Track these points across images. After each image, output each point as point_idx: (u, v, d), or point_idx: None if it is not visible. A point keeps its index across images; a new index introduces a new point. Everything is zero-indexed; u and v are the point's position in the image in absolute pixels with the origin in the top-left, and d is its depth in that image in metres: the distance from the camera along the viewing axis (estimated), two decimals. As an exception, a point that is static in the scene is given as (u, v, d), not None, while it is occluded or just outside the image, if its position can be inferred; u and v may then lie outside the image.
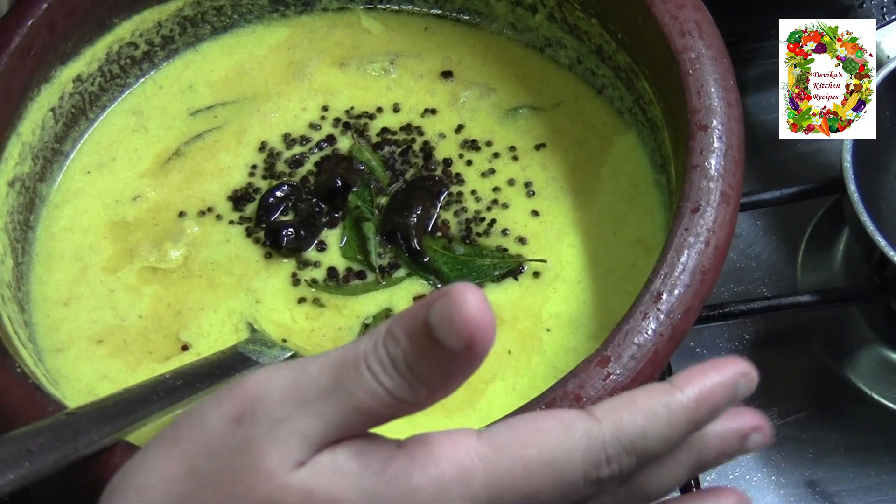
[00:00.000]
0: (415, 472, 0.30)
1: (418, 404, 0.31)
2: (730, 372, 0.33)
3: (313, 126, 0.59)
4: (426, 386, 0.30)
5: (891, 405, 0.58)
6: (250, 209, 0.56)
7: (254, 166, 0.58)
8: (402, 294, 0.53)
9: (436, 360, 0.29)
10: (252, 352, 0.49)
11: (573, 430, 0.32)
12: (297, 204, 0.56)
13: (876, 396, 0.58)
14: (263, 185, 0.57)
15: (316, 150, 0.58)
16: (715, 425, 0.34)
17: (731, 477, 0.57)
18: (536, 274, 0.52)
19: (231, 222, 0.56)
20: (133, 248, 0.55)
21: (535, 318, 0.51)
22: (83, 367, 0.51)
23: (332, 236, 0.55)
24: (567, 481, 0.31)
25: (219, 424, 0.30)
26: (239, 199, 0.56)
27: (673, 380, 0.33)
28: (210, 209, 0.56)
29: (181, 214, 0.56)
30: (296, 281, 0.54)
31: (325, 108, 0.60)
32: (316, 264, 0.54)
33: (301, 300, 0.53)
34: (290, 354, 0.50)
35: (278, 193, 0.56)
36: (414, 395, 0.30)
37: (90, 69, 0.59)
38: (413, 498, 0.30)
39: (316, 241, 0.55)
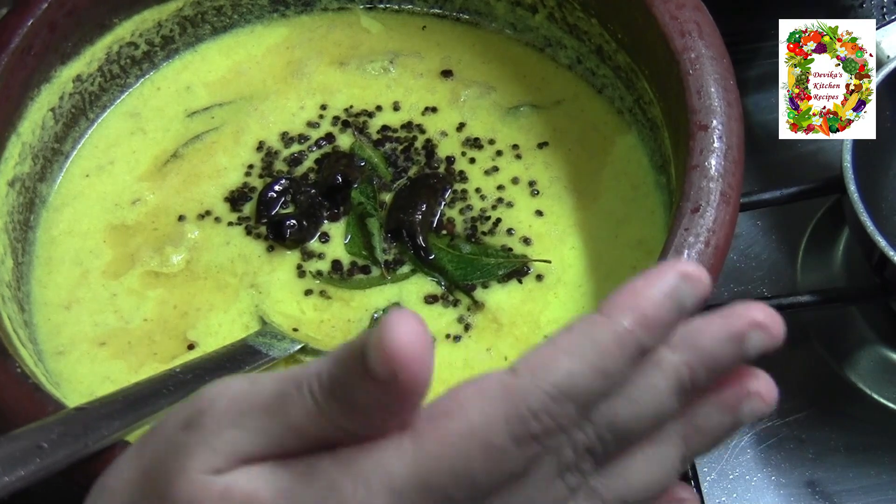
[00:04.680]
0: (332, 469, 0.29)
1: (356, 433, 0.29)
2: (664, 282, 0.30)
3: (312, 124, 0.59)
4: (362, 413, 0.28)
5: (891, 405, 0.58)
6: (248, 208, 0.56)
7: (251, 166, 0.58)
8: (412, 289, 0.52)
9: (367, 387, 0.28)
10: (262, 344, 0.49)
11: (488, 389, 0.29)
12: (296, 196, 0.56)
13: (876, 396, 0.58)
14: (259, 183, 0.57)
15: (315, 149, 0.58)
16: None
17: (730, 477, 0.57)
18: (539, 277, 0.52)
19: (230, 223, 0.55)
20: (134, 254, 0.55)
21: (533, 324, 0.50)
22: (84, 369, 0.51)
23: (335, 228, 0.55)
24: (495, 447, 0.28)
25: (171, 430, 0.30)
26: (236, 199, 0.56)
27: (601, 307, 0.30)
28: (208, 212, 0.56)
29: (181, 218, 0.56)
30: (301, 273, 0.53)
31: (323, 107, 0.60)
32: (320, 256, 0.54)
33: (308, 292, 0.53)
34: (300, 346, 0.50)
35: (277, 188, 0.56)
36: (349, 421, 0.28)
37: (90, 69, 0.58)
38: (334, 495, 0.28)
39: (318, 233, 0.55)
